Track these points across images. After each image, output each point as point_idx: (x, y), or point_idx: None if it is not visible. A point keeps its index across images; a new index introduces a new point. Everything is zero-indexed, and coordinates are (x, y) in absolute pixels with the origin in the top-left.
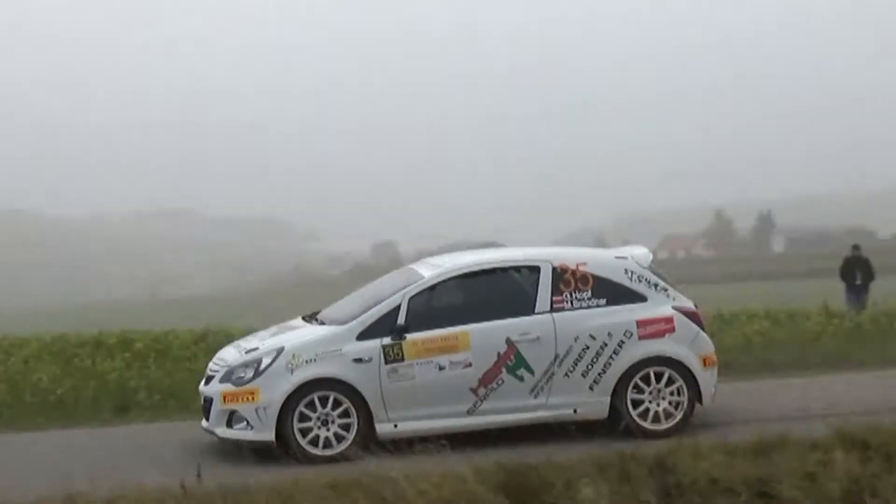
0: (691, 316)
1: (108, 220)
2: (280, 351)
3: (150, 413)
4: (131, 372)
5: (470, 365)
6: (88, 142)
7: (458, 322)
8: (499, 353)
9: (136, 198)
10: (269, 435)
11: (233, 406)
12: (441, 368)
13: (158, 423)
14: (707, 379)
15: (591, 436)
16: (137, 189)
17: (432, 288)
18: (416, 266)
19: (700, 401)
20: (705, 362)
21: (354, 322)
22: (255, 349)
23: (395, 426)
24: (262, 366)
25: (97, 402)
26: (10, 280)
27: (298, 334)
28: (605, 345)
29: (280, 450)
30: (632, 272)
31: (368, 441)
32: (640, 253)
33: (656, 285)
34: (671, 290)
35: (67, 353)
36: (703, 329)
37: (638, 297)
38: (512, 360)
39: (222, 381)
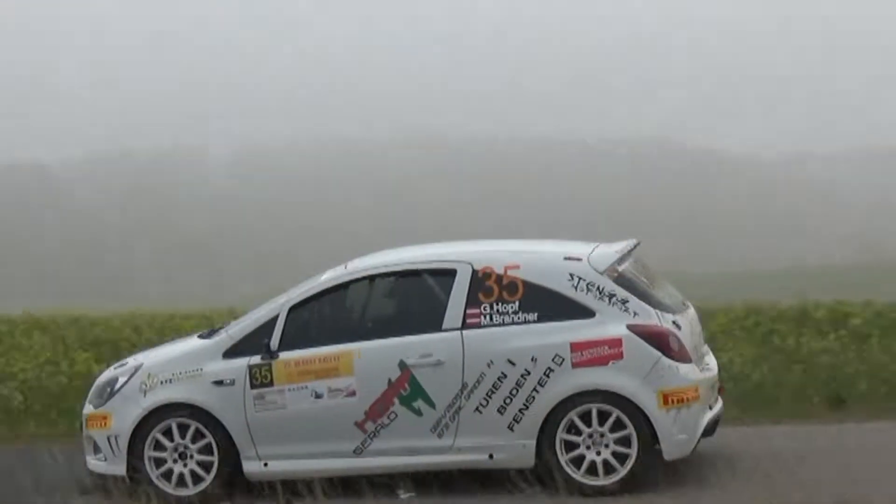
0: (653, 337)
1: (808, 161)
2: (137, 369)
3: (868, 408)
4: (847, 355)
5: (354, 393)
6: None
7: (343, 339)
8: (390, 380)
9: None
10: (121, 468)
11: (91, 432)
12: (318, 396)
13: (875, 423)
14: (668, 422)
15: None
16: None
17: (319, 296)
18: (334, 269)
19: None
20: (667, 400)
21: (223, 336)
22: (124, 364)
23: (266, 465)
24: (117, 386)
25: (803, 392)
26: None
27: (165, 349)
28: (528, 373)
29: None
30: (579, 279)
31: (235, 480)
32: (600, 253)
33: (612, 296)
34: (634, 302)
35: (763, 328)
36: (671, 355)
37: (583, 312)
38: (406, 390)
39: (89, 401)
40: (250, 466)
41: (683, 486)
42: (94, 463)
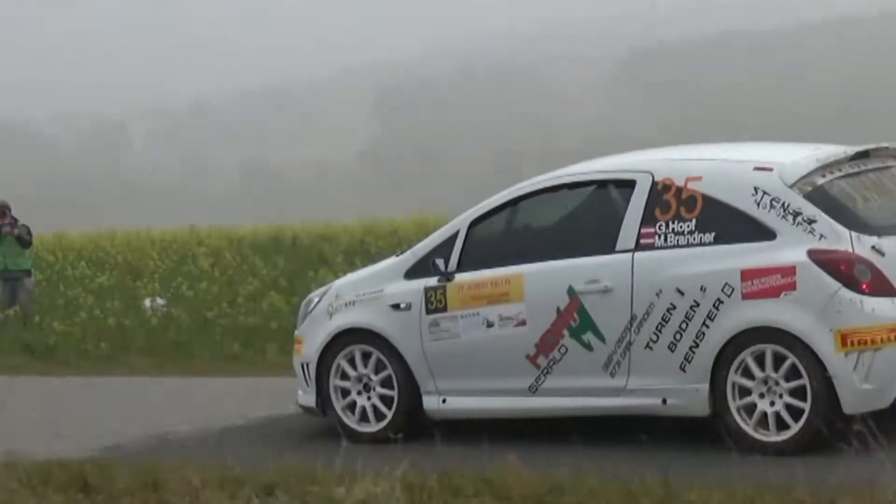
0: (832, 265)
1: None
2: (329, 289)
3: None
4: None
5: (524, 323)
6: None
7: (516, 260)
8: (559, 309)
9: None
10: (311, 399)
11: (294, 358)
12: (489, 325)
13: None
14: (847, 368)
15: None
16: None
17: (498, 211)
18: None
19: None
20: (846, 341)
21: (407, 254)
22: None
23: (444, 401)
24: (310, 308)
25: None
26: None
27: (360, 270)
28: (697, 304)
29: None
30: (763, 193)
31: (416, 418)
32: (797, 161)
33: (796, 214)
34: (822, 222)
35: None
36: (857, 287)
37: (763, 233)
38: (576, 320)
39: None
40: (429, 402)
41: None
42: (299, 393)
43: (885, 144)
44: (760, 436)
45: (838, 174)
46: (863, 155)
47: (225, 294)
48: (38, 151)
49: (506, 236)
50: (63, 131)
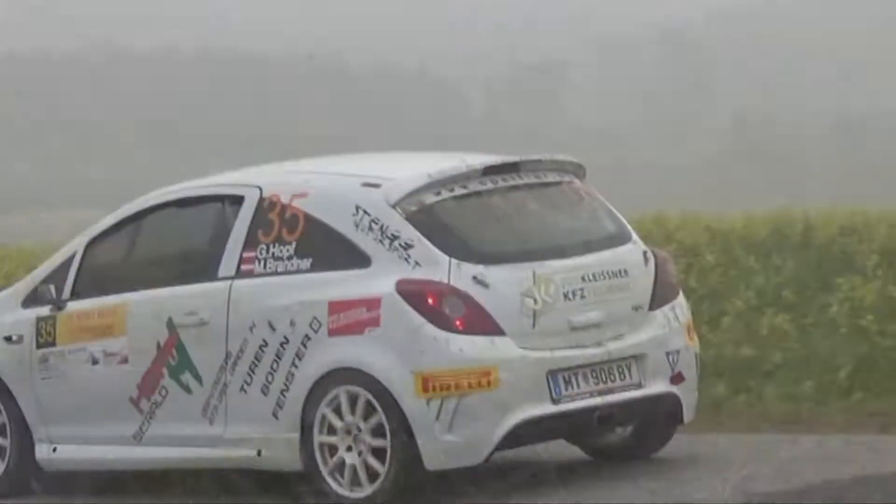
0: (420, 298)
1: None
2: None
3: None
4: None
5: (126, 360)
6: None
7: (123, 288)
8: (159, 344)
9: None
10: None
11: None
12: (95, 362)
13: None
14: (429, 417)
15: None
16: None
17: (114, 231)
18: None
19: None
20: (427, 385)
21: (27, 278)
22: None
23: (55, 450)
24: None
25: None
26: None
27: None
28: (287, 341)
29: None
30: (364, 213)
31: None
32: (409, 177)
33: (393, 238)
34: (420, 248)
35: None
36: (443, 323)
37: (359, 259)
38: (175, 358)
39: None
40: (41, 451)
41: None
42: None
43: (537, 156)
44: (344, 490)
45: (460, 192)
46: (510, 168)
47: (706, 311)
48: (437, 102)
49: (119, 259)
50: (468, 76)
